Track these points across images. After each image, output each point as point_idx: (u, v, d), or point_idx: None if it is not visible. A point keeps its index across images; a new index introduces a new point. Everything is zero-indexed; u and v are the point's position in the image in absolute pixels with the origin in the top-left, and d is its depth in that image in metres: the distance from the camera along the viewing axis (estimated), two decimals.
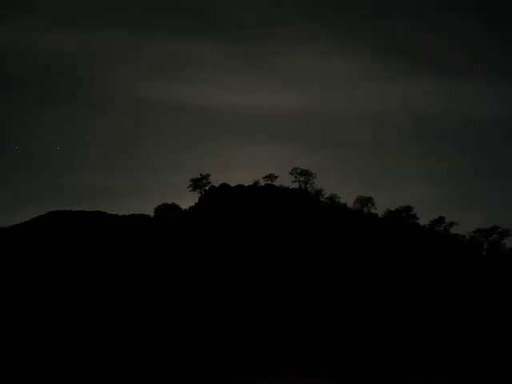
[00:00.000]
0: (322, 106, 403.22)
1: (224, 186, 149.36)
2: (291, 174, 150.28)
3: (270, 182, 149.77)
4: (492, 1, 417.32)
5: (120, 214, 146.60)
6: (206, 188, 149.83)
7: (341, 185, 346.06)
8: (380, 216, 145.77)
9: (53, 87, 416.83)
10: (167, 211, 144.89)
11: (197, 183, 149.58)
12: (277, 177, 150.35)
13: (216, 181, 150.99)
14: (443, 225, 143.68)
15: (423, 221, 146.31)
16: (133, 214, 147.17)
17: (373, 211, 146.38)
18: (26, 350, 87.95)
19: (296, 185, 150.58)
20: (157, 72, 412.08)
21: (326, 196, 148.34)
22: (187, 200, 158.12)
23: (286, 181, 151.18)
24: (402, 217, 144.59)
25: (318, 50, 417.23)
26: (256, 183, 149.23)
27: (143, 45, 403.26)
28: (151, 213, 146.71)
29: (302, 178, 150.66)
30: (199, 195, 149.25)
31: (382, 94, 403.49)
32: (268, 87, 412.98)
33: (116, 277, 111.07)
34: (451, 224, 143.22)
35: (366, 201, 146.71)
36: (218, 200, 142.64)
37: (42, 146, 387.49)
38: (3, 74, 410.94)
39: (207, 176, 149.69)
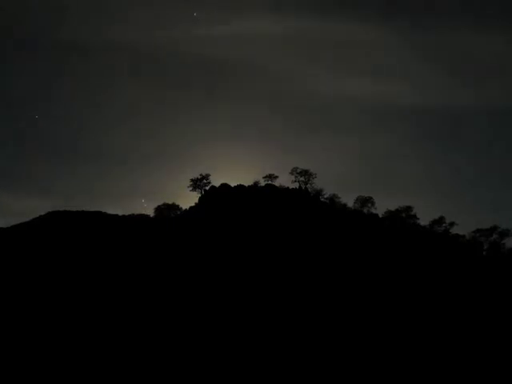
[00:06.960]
0: None
1: (224, 186, 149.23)
2: (291, 173, 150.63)
3: (270, 182, 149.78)
4: None
5: (120, 214, 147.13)
6: (206, 188, 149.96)
7: None
8: (380, 216, 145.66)
9: None
10: (167, 211, 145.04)
11: (197, 183, 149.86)
12: (277, 177, 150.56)
13: (216, 181, 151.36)
14: (443, 225, 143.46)
15: (424, 221, 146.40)
16: (133, 214, 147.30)
17: (373, 211, 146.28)
18: (26, 348, 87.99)
19: (296, 185, 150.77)
20: None
21: (325, 196, 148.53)
22: (187, 200, 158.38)
23: (285, 181, 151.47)
24: (402, 217, 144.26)
25: None
26: (256, 183, 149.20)
27: None
28: (151, 213, 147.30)
29: (301, 178, 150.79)
30: (199, 195, 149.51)
31: None
32: None
33: (116, 276, 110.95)
34: (451, 224, 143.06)
35: (365, 201, 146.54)
36: (218, 200, 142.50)
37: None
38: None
39: (207, 176, 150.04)
